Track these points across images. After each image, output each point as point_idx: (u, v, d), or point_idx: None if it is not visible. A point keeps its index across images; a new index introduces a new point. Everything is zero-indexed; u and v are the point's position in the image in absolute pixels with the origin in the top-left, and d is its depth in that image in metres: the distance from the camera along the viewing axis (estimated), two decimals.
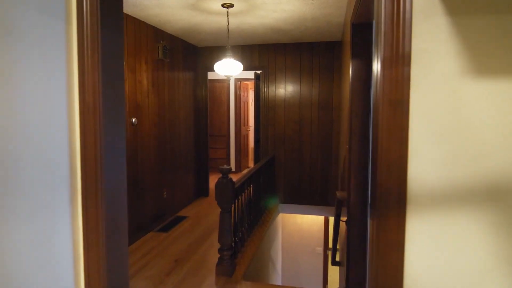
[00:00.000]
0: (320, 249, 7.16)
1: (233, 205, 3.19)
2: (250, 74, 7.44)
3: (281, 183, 5.48)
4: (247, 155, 8.49)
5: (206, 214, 4.94)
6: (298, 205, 5.47)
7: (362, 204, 2.56)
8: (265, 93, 5.43)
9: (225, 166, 2.94)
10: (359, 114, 2.49)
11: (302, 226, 7.22)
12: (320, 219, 7.00)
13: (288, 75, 5.34)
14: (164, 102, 4.46)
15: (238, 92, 7.74)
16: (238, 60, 5.05)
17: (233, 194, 3.01)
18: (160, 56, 4.22)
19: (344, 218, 2.89)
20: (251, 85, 9.66)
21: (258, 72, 5.73)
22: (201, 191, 5.79)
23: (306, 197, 5.42)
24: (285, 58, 5.33)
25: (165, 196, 4.51)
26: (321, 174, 5.34)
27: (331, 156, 5.29)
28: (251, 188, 4.07)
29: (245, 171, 7.83)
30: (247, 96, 8.35)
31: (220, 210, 3.02)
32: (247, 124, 8.47)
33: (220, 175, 3.00)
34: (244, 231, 3.67)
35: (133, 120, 3.68)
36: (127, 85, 3.61)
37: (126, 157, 1.55)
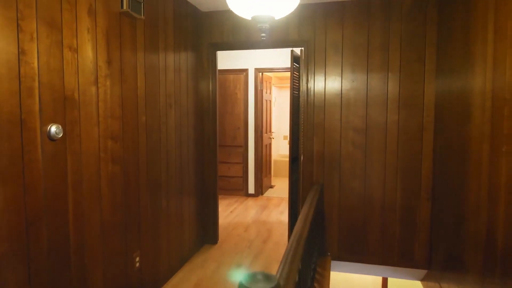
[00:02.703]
0: None
1: None
2: (277, 59, 5.42)
3: (334, 229, 3.41)
4: (269, 172, 6.45)
5: (214, 285, 2.90)
6: (362, 264, 3.39)
7: None
8: (308, 83, 3.37)
9: None
10: None
11: (353, 276, 5.11)
12: None
13: (346, 54, 3.28)
14: (135, 95, 2.46)
15: (259, 87, 5.71)
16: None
17: None
18: (125, 7, 2.22)
19: None
20: (276, 80, 7.62)
21: (297, 50, 3.69)
22: (206, 234, 3.76)
23: (375, 252, 3.34)
24: (342, 27, 3.28)
25: (137, 264, 2.49)
26: (402, 217, 3.26)
27: (419, 186, 3.19)
28: None
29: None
30: (269, 92, 6.32)
31: None
32: (270, 131, 6.43)
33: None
34: None
35: (52, 129, 1.69)
36: (35, 51, 1.61)
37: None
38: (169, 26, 2.93)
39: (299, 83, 3.77)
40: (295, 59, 3.62)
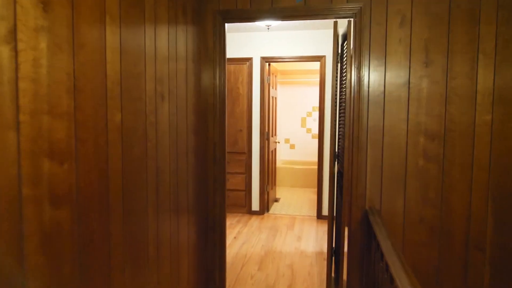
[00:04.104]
0: None
1: None
2: (287, 46, 4.42)
3: None
4: (274, 183, 5.42)
5: None
6: None
7: None
8: (361, 69, 2.37)
9: None
10: None
11: None
12: None
13: (417, 28, 2.30)
14: (102, 74, 1.38)
15: (266, 81, 4.68)
16: None
17: None
18: None
19: None
20: (281, 74, 6.62)
21: (342, 22, 2.69)
22: (210, 281, 2.69)
23: None
24: None
25: None
26: (494, 258, 2.29)
27: None
28: None
29: None
30: (275, 88, 5.30)
31: None
32: (275, 134, 5.41)
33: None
34: None
35: None
36: None
37: None
38: None
39: (339, 70, 2.77)
40: (344, 37, 2.61)
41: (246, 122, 4.67)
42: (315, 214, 4.75)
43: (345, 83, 2.55)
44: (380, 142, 2.38)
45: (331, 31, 4.35)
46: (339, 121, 2.88)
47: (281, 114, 7.12)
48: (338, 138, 2.89)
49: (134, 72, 1.59)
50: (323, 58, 4.40)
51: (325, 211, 4.60)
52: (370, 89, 2.37)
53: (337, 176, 2.89)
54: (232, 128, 4.71)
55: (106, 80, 1.39)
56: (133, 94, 1.59)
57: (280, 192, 6.13)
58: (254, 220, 4.53)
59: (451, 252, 2.34)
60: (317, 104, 6.98)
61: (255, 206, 4.79)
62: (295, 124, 7.18)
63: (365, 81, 2.37)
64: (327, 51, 4.40)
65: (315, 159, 6.94)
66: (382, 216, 2.39)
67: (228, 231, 4.06)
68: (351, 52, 2.41)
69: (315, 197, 5.63)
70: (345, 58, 2.59)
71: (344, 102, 2.64)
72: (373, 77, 2.36)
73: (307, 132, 7.13)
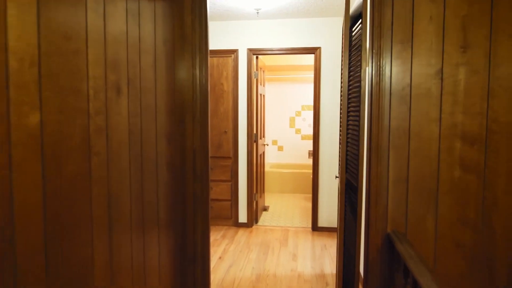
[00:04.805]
0: None
1: None
2: (277, 37, 3.91)
3: None
4: (263, 189, 4.89)
5: None
6: None
7: None
8: (381, 57, 1.87)
9: None
10: None
11: None
12: None
13: (452, 2, 1.82)
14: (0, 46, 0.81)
15: (254, 76, 4.14)
16: None
17: None
18: None
19: None
20: (268, 70, 6.08)
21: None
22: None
23: None
24: None
25: None
26: None
27: None
28: None
29: None
30: (263, 84, 4.77)
31: None
32: (263, 136, 4.88)
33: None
34: None
35: None
36: None
37: None
38: None
39: (351, 58, 2.27)
40: (356, 17, 2.10)
41: (231, 123, 4.12)
42: (310, 225, 4.25)
43: (353, 74, 2.05)
44: (405, 148, 1.89)
45: (328, 19, 3.86)
46: (346, 121, 2.38)
47: (268, 114, 6.60)
48: (346, 143, 2.38)
49: (65, 48, 1.02)
50: (318, 50, 3.90)
51: (321, 222, 4.11)
52: (392, 81, 1.87)
53: (346, 188, 2.39)
54: (216, 130, 4.15)
55: (6, 55, 0.82)
56: (63, 82, 1.02)
57: (269, 199, 5.60)
58: (242, 234, 3.99)
59: (495, 285, 1.87)
60: (307, 103, 6.51)
61: (243, 217, 4.24)
62: (283, 124, 6.68)
63: (386, 71, 1.87)
64: (323, 42, 3.90)
65: (305, 161, 6.47)
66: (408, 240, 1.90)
67: (212, 250, 3.50)
68: (368, 34, 1.91)
69: (307, 204, 5.15)
70: (355, 43, 2.09)
71: (356, 97, 2.14)
72: (396, 66, 1.86)
73: (296, 132, 6.64)
